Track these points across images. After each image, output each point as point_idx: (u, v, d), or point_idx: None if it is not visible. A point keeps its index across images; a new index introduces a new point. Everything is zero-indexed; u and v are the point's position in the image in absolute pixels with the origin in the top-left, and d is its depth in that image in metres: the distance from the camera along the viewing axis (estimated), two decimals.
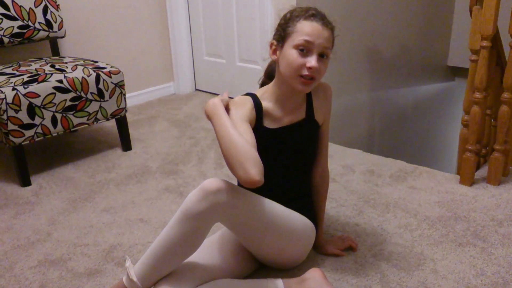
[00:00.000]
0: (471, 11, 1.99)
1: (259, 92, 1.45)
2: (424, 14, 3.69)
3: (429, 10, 3.74)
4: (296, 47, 1.31)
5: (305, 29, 1.30)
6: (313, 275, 1.42)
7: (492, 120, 2.21)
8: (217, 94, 3.25)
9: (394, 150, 3.00)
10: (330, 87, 1.52)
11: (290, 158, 1.46)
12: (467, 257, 1.59)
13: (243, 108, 1.36)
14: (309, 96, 1.47)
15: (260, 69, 1.32)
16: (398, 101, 3.64)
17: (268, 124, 1.41)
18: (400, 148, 3.47)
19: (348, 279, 1.50)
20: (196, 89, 3.43)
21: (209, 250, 1.43)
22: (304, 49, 1.30)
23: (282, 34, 1.35)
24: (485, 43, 1.88)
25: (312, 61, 1.30)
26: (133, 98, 3.12)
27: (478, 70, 1.91)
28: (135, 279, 1.30)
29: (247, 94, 1.43)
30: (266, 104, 1.41)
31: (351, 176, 2.16)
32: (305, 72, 1.31)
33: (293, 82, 1.34)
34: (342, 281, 1.49)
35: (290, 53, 1.32)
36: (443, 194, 1.97)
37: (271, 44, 1.39)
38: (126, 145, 2.48)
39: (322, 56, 1.33)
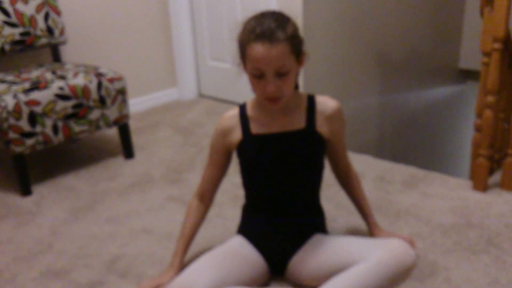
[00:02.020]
0: (481, 13, 1.95)
1: (252, 99, 1.44)
2: (434, 16, 3.66)
3: (439, 13, 3.71)
4: (251, 73, 1.30)
5: (253, 55, 1.26)
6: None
7: (506, 125, 2.16)
8: (222, 100, 3.24)
9: (405, 155, 2.96)
10: (339, 107, 1.45)
11: (289, 169, 1.41)
12: (481, 265, 1.54)
13: (213, 135, 1.47)
14: (311, 106, 1.41)
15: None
16: (408, 105, 3.60)
17: (256, 129, 1.40)
18: (411, 153, 3.43)
19: None
20: (201, 95, 3.39)
21: (226, 257, 1.39)
22: (258, 74, 1.28)
23: (241, 52, 1.32)
24: (497, 45, 1.83)
25: (267, 86, 1.28)
26: (136, 105, 3.08)
27: (490, 72, 1.87)
28: None
29: (241, 104, 1.46)
30: (252, 111, 1.42)
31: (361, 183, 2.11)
32: (267, 95, 1.30)
33: (263, 102, 1.35)
34: None
35: (250, 79, 1.32)
36: (456, 201, 1.92)
37: (239, 59, 1.36)
38: (128, 153, 2.44)
39: (279, 74, 1.27)
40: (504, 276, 1.49)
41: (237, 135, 1.42)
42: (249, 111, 1.42)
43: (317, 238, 1.45)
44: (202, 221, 1.54)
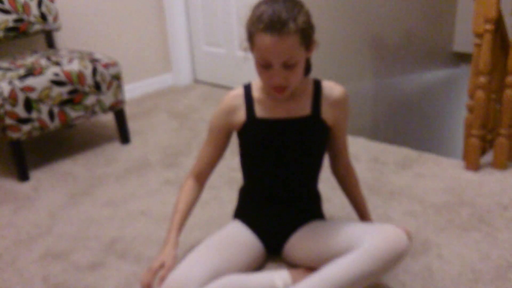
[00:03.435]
0: None
1: (257, 80, 1.41)
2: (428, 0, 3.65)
3: None
4: (258, 62, 1.27)
5: (262, 45, 1.22)
6: None
7: (498, 105, 2.19)
8: (217, 85, 3.24)
9: (400, 137, 2.99)
10: (345, 93, 1.41)
11: (291, 155, 1.39)
12: (472, 242, 1.58)
13: (215, 113, 1.43)
14: (317, 92, 1.38)
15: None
16: (403, 88, 3.62)
17: (261, 113, 1.37)
18: (405, 135, 3.45)
19: None
20: (196, 80, 3.39)
21: (221, 246, 1.38)
22: (265, 64, 1.25)
23: (249, 39, 1.28)
24: (488, 26, 1.85)
25: (274, 76, 1.26)
26: (131, 91, 3.09)
27: (482, 53, 1.89)
28: None
29: (245, 84, 1.42)
30: (257, 92, 1.39)
31: (355, 164, 2.10)
32: (273, 85, 1.28)
33: (268, 89, 1.33)
34: None
35: (256, 65, 1.29)
36: (449, 180, 1.95)
37: (246, 43, 1.31)
38: (124, 138, 2.45)
39: (287, 66, 1.25)
40: (495, 252, 1.52)
41: (241, 116, 1.38)
42: (255, 92, 1.39)
43: (313, 222, 1.47)
44: (197, 200, 1.50)
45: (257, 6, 1.25)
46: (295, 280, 1.34)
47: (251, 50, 1.29)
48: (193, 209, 1.49)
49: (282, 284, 1.33)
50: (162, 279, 1.25)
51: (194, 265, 1.28)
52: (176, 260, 1.33)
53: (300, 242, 1.44)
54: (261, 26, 1.20)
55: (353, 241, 1.28)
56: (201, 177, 1.50)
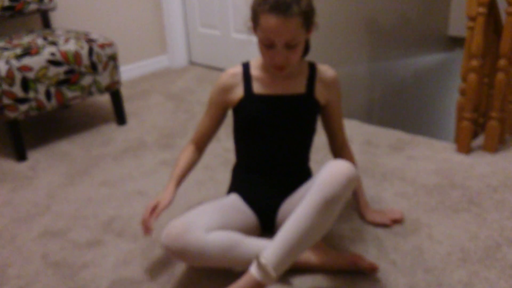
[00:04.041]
0: None
1: (256, 58, 1.47)
2: None
3: None
4: (261, 41, 1.32)
5: (266, 25, 1.28)
6: None
7: (490, 90, 2.21)
8: (213, 67, 3.25)
9: (394, 121, 3.02)
10: (336, 76, 1.50)
11: (283, 130, 1.45)
12: (461, 222, 1.62)
13: (214, 89, 1.49)
14: (312, 73, 1.46)
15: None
16: (397, 72, 3.64)
17: (258, 89, 1.44)
18: (399, 119, 3.48)
19: (345, 244, 1.53)
20: (191, 62, 3.39)
21: (222, 208, 1.44)
22: (268, 44, 1.31)
23: (253, 19, 1.33)
24: (481, 9, 1.87)
25: (276, 56, 1.32)
26: (127, 72, 3.09)
27: (474, 36, 1.91)
28: (274, 274, 1.24)
29: (244, 62, 1.48)
30: (256, 70, 1.45)
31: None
32: (275, 64, 1.34)
33: (268, 67, 1.40)
34: (339, 246, 1.52)
35: (259, 45, 1.34)
36: (440, 163, 1.98)
37: (250, 23, 1.37)
38: (121, 119, 2.47)
39: (289, 46, 1.31)
40: (484, 232, 1.56)
41: (238, 92, 1.45)
42: (253, 70, 1.45)
43: (297, 190, 1.49)
44: (196, 163, 1.58)
45: None
46: None
47: (254, 30, 1.35)
48: (192, 169, 1.57)
49: None
50: (157, 215, 1.39)
51: (200, 214, 1.36)
52: (171, 202, 1.44)
53: (287, 211, 1.48)
54: (267, 7, 1.26)
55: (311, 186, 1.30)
56: (200, 144, 1.58)
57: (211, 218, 1.37)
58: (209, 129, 1.55)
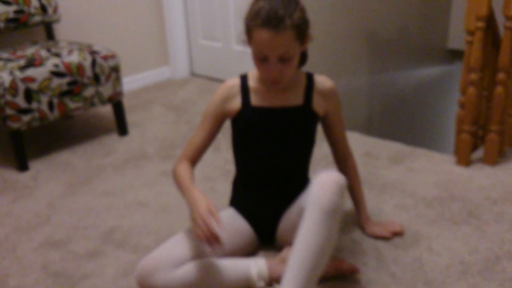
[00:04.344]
0: None
1: (253, 71, 1.46)
2: None
3: None
4: (255, 55, 1.33)
5: (259, 39, 1.28)
6: None
7: (490, 103, 2.23)
8: (214, 78, 3.27)
9: (393, 133, 3.03)
10: (334, 87, 1.50)
11: (282, 142, 1.45)
12: (461, 235, 1.62)
13: (211, 101, 1.47)
14: (310, 84, 1.46)
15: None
16: (397, 84, 3.66)
17: (256, 101, 1.43)
18: (399, 131, 3.49)
19: (345, 256, 1.53)
20: (192, 74, 3.42)
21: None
22: (262, 58, 1.31)
23: (247, 32, 1.34)
24: (480, 24, 1.89)
25: (270, 69, 1.32)
26: (129, 84, 3.11)
27: (473, 50, 1.93)
28: None
29: (242, 74, 1.48)
30: (253, 82, 1.45)
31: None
32: (269, 77, 1.35)
33: (264, 80, 1.40)
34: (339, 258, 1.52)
35: (253, 58, 1.34)
36: (440, 175, 1.99)
37: (244, 36, 1.36)
38: (122, 130, 2.48)
39: (283, 60, 1.31)
40: (483, 245, 1.56)
41: (236, 104, 1.45)
42: (251, 82, 1.45)
43: (296, 202, 1.49)
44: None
45: (256, 1, 1.30)
46: (270, 268, 1.40)
47: (248, 43, 1.35)
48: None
49: (257, 271, 1.38)
50: (218, 221, 1.25)
51: (175, 245, 1.35)
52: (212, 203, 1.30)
53: (287, 222, 1.49)
54: (259, 22, 1.26)
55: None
56: (194, 159, 1.51)
57: (189, 246, 1.35)
58: (203, 143, 1.50)
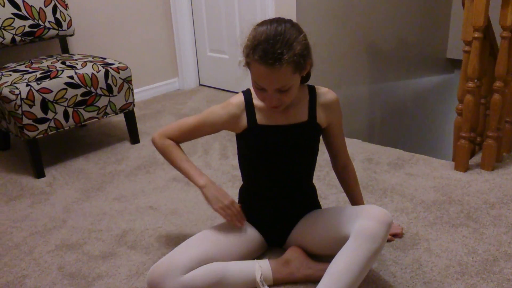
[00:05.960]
0: (463, 3, 2.06)
1: None
2: (423, 6, 3.74)
3: (428, 3, 3.79)
4: (254, 83, 1.33)
5: (256, 73, 1.28)
6: (295, 255, 1.49)
7: (487, 111, 2.28)
8: (221, 89, 3.36)
9: (394, 141, 3.08)
10: (337, 99, 1.50)
11: (289, 157, 1.47)
12: (459, 237, 1.66)
13: (217, 113, 1.46)
14: (313, 99, 1.46)
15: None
16: (398, 94, 3.69)
17: (262, 120, 1.44)
18: (399, 139, 3.54)
19: None
20: (200, 84, 3.52)
21: (217, 235, 1.48)
22: (260, 88, 1.32)
23: (246, 61, 1.33)
24: (477, 34, 1.95)
25: (268, 100, 1.33)
26: (140, 94, 3.22)
27: (470, 60, 1.98)
28: None
29: (245, 90, 1.48)
30: (257, 100, 1.44)
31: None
32: (268, 105, 1.36)
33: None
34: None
35: (252, 85, 1.35)
36: (439, 180, 2.04)
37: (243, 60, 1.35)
38: (134, 138, 2.57)
39: (281, 90, 1.31)
40: (481, 247, 1.61)
41: (242, 123, 1.44)
42: (255, 100, 1.44)
43: (311, 213, 1.56)
44: None
45: (255, 29, 1.30)
46: (274, 270, 1.45)
47: (249, 68, 1.34)
48: None
49: (261, 272, 1.43)
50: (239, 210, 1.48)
51: (184, 251, 1.40)
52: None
53: (301, 233, 1.53)
54: (257, 57, 1.25)
55: (344, 224, 1.36)
56: (178, 142, 1.55)
57: (199, 250, 1.39)
58: (191, 135, 1.52)
